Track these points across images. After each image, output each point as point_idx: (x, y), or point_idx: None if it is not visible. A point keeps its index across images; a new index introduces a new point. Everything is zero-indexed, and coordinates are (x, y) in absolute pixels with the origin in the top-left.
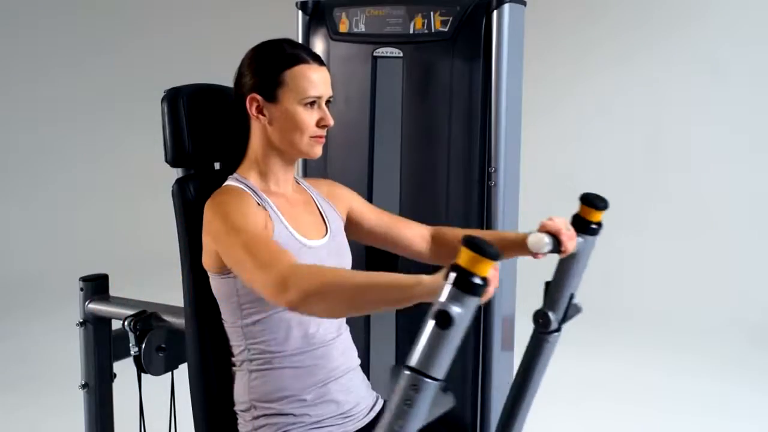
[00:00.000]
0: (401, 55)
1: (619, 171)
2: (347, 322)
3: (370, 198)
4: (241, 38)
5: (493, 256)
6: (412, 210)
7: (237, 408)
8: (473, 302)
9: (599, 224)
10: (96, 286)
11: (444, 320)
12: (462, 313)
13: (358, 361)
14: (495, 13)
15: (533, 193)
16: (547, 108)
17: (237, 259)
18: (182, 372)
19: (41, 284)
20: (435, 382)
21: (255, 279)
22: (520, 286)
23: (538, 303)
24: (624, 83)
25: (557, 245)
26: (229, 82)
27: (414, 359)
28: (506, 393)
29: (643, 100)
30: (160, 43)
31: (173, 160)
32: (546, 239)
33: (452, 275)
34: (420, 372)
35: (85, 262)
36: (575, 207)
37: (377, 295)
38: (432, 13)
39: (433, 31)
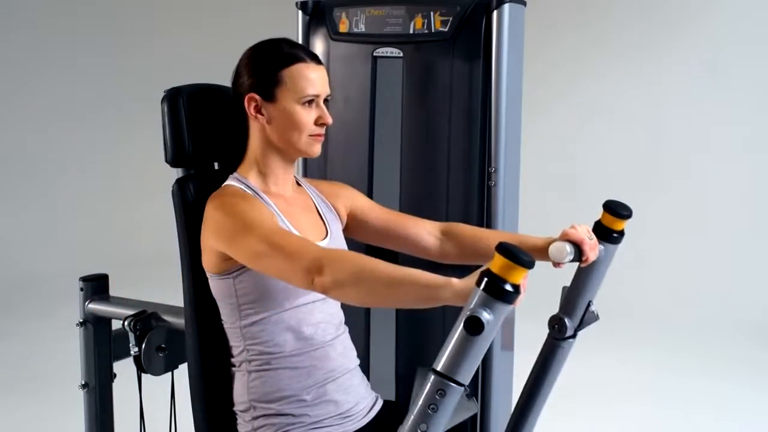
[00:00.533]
0: (401, 55)
1: (619, 171)
2: (346, 322)
3: (369, 198)
4: (241, 38)
5: (527, 264)
6: (412, 210)
7: (236, 408)
8: (504, 309)
9: (621, 233)
10: (96, 286)
11: (474, 326)
12: (492, 319)
13: (358, 362)
14: (495, 13)
15: (533, 193)
16: (547, 108)
17: (258, 253)
18: (182, 372)
19: (41, 284)
20: (460, 387)
21: (280, 268)
22: None
23: (537, 303)
24: (624, 83)
25: (579, 254)
26: (229, 82)
27: (441, 363)
28: (506, 393)
29: (643, 100)
30: (160, 44)
31: (173, 160)
32: (568, 248)
33: (484, 281)
34: (446, 376)
35: (85, 262)
36: (575, 207)
37: (408, 291)
38: (432, 13)
39: (433, 31)
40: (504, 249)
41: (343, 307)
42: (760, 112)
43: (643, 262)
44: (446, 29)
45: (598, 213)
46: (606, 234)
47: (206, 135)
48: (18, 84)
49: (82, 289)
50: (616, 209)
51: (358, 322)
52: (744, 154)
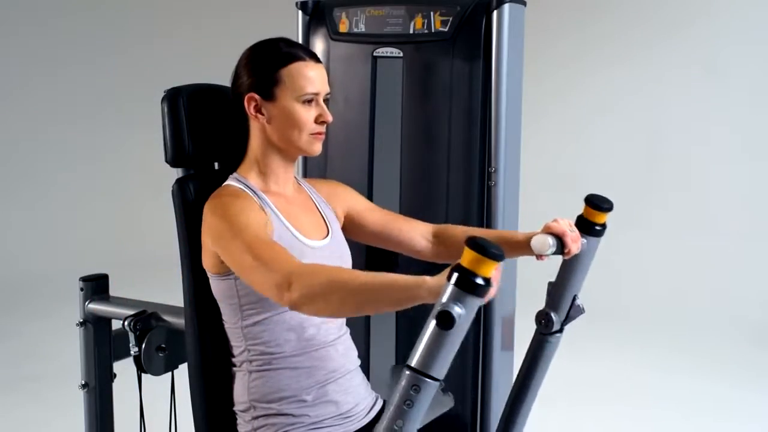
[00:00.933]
0: (401, 55)
1: (619, 170)
2: (347, 323)
3: (369, 198)
4: (241, 38)
5: (496, 257)
6: (412, 210)
7: (236, 408)
8: (475, 302)
9: (603, 226)
10: (96, 286)
11: (445, 320)
12: (464, 313)
13: (359, 362)
14: (495, 13)
15: (533, 193)
16: (547, 108)
17: (239, 260)
18: (182, 372)
19: (41, 284)
20: (435, 382)
21: (257, 280)
22: (520, 286)
23: (538, 303)
24: (624, 83)
25: (561, 247)
26: (229, 82)
27: (415, 359)
28: (506, 393)
29: (643, 100)
30: (160, 43)
31: (173, 160)
32: (550, 241)
33: (455, 275)
34: (420, 372)
35: (85, 262)
36: (576, 207)
37: (381, 296)
38: (432, 13)
39: (433, 31)
40: (473, 243)
41: None
42: (759, 113)
43: (642, 262)
44: (446, 29)
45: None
46: (588, 227)
47: (206, 135)
48: (18, 84)
49: (82, 289)
50: (597, 202)
51: (359, 322)
52: (743, 153)
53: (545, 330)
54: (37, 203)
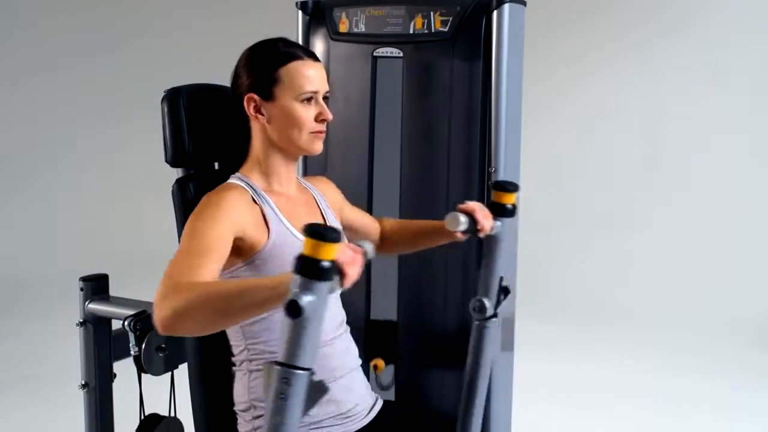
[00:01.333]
0: (401, 55)
1: (619, 171)
2: (347, 322)
3: (370, 198)
4: (241, 38)
5: (333, 239)
6: (411, 210)
7: (237, 408)
8: (323, 287)
9: (514, 206)
10: (96, 286)
11: (293, 310)
12: (313, 299)
13: (359, 362)
14: (495, 13)
15: (533, 193)
16: (547, 108)
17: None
18: (182, 372)
19: (41, 284)
20: (304, 372)
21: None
22: (520, 287)
23: (538, 303)
24: (624, 83)
25: (473, 225)
26: (229, 82)
27: (281, 354)
28: (507, 394)
29: (643, 100)
30: (160, 44)
31: (173, 160)
32: (461, 218)
33: (298, 265)
34: (287, 365)
35: (85, 262)
36: (577, 206)
37: (248, 299)
38: (432, 13)
39: (433, 31)
40: (309, 230)
41: (344, 306)
42: (760, 112)
43: (643, 261)
44: (446, 29)
45: (596, 212)
46: (500, 209)
47: (206, 135)
48: (18, 84)
49: (82, 289)
50: (503, 185)
51: (358, 321)
52: (743, 153)
53: (480, 317)
54: (37, 203)
